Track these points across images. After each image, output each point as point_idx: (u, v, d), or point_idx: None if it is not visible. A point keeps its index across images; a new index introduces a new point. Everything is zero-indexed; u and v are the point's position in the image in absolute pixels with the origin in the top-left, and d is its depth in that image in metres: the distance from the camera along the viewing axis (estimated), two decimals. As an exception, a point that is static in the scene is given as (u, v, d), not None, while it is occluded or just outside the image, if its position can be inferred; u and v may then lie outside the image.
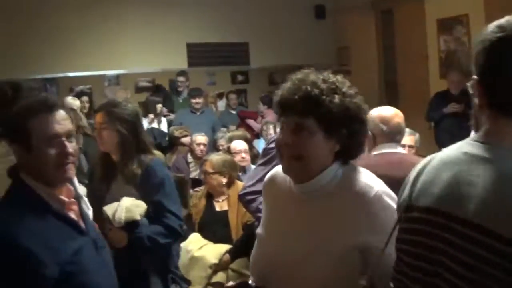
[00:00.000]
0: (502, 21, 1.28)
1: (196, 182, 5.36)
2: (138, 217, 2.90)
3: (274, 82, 9.85)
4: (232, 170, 4.61)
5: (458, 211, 1.24)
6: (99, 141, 3.12)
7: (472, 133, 1.38)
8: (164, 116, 8.17)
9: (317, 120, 1.77)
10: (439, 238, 1.27)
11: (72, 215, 1.98)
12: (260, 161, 3.47)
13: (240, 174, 5.10)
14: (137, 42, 8.97)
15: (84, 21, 8.59)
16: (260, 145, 7.07)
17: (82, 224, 2.00)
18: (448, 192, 1.28)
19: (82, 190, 3.57)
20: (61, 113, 1.93)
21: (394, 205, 1.74)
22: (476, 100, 1.33)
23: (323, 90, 1.78)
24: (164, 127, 7.95)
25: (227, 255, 4.17)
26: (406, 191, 1.44)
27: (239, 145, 5.60)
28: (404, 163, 2.82)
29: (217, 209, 4.51)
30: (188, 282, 3.39)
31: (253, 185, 3.33)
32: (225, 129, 7.50)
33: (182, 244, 3.90)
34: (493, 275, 1.14)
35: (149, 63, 9.17)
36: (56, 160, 1.88)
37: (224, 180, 4.50)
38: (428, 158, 1.43)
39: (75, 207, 2.00)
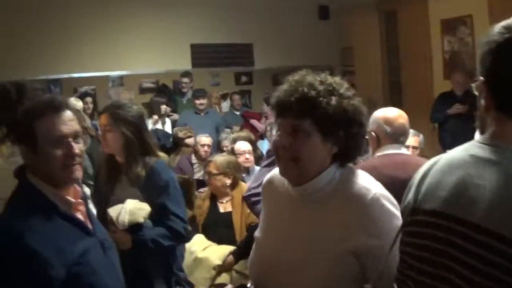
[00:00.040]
0: (509, 21, 1.27)
1: (200, 183, 5.36)
2: (141, 220, 2.90)
3: (278, 83, 9.63)
4: (236, 171, 4.61)
5: (466, 215, 1.22)
6: (103, 143, 3.11)
7: (477, 134, 1.37)
8: (168, 116, 8.16)
9: (313, 122, 1.75)
10: (445, 242, 1.25)
11: (79, 215, 1.97)
12: (264, 163, 3.47)
13: (244, 175, 5.10)
14: (141, 43, 8.97)
15: (88, 22, 8.59)
16: (264, 146, 7.07)
17: (89, 225, 2.00)
18: (455, 195, 1.26)
19: (86, 191, 3.57)
20: (68, 114, 1.93)
21: (392, 208, 1.73)
22: (482, 102, 1.31)
23: (320, 92, 1.76)
24: (168, 128, 7.94)
25: (231, 257, 4.16)
26: (411, 194, 1.41)
27: (243, 146, 5.59)
28: (409, 164, 2.81)
29: (221, 210, 4.50)
30: (192, 286, 3.38)
31: (258, 186, 3.33)
32: (229, 130, 7.49)
33: (186, 245, 3.90)
34: (502, 280, 1.13)
35: (153, 64, 9.16)
36: (62, 161, 1.87)
37: (228, 181, 4.49)
38: (433, 160, 1.41)
39: (82, 207, 2.00)
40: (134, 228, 2.90)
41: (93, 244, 1.94)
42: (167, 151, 6.42)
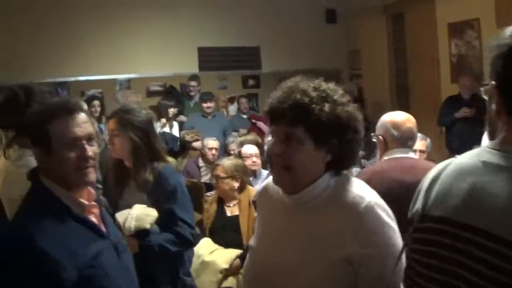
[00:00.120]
0: None
1: (207, 187, 5.35)
2: (148, 226, 2.89)
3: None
4: (244, 175, 4.61)
5: (477, 222, 1.19)
6: (110, 148, 3.10)
7: (484, 138, 1.34)
8: (175, 117, 8.15)
9: (306, 129, 1.72)
10: (451, 249, 1.23)
11: (93, 218, 1.97)
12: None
13: (251, 178, 5.10)
14: (148, 46, 9.00)
15: (95, 25, 8.64)
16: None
17: (103, 228, 1.99)
18: (466, 202, 1.24)
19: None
20: (81, 116, 1.92)
21: (386, 217, 1.72)
22: (493, 106, 1.28)
23: (313, 98, 1.73)
24: (176, 131, 7.94)
25: (238, 260, 4.15)
26: (419, 200, 1.38)
27: (250, 149, 5.60)
28: (417, 168, 2.81)
29: (228, 214, 4.50)
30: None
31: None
32: (236, 134, 7.49)
33: (193, 249, 3.90)
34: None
35: (160, 67, 9.19)
36: (76, 164, 1.88)
37: (236, 185, 4.50)
38: (442, 164, 1.38)
39: (95, 210, 2.00)
40: (141, 233, 2.89)
41: (106, 247, 1.93)
42: (175, 154, 6.42)
